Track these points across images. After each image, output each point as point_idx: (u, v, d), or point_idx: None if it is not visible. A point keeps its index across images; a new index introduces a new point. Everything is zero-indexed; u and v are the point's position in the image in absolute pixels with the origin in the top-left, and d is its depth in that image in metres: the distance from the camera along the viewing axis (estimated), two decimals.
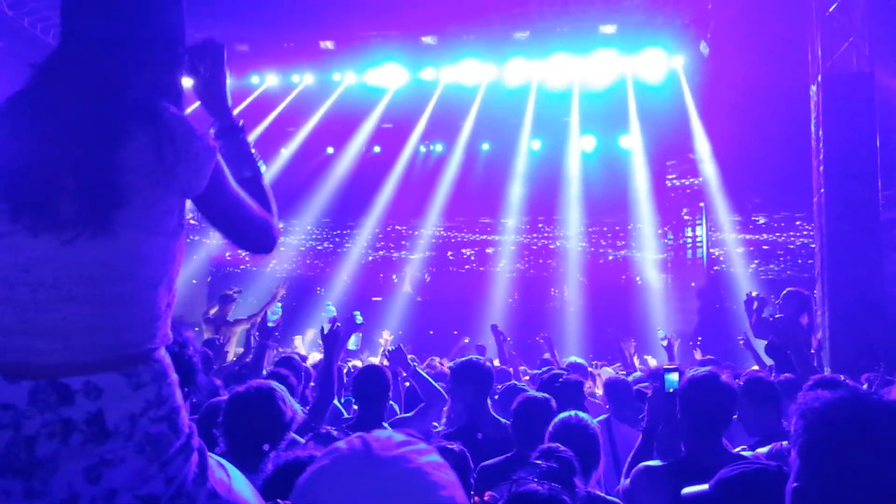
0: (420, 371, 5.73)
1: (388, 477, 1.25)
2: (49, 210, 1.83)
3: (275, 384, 3.31)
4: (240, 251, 2.19)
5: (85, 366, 1.83)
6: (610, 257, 15.35)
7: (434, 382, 5.45)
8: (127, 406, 1.84)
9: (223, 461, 2.17)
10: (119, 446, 1.82)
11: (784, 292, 8.50)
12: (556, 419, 3.77)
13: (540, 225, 16.14)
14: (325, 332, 5.14)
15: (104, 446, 1.81)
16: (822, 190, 9.31)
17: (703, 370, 3.68)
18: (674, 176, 14.44)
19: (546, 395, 4.40)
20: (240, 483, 2.12)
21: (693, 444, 3.57)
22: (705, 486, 2.48)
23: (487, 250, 16.24)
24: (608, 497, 3.55)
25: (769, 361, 7.35)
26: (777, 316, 8.58)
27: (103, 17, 2.02)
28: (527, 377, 7.18)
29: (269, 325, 5.59)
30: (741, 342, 8.14)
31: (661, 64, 12.03)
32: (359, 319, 5.68)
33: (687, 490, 2.61)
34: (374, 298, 15.63)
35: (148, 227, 1.91)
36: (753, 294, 8.71)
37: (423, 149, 16.04)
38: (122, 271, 1.88)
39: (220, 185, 2.04)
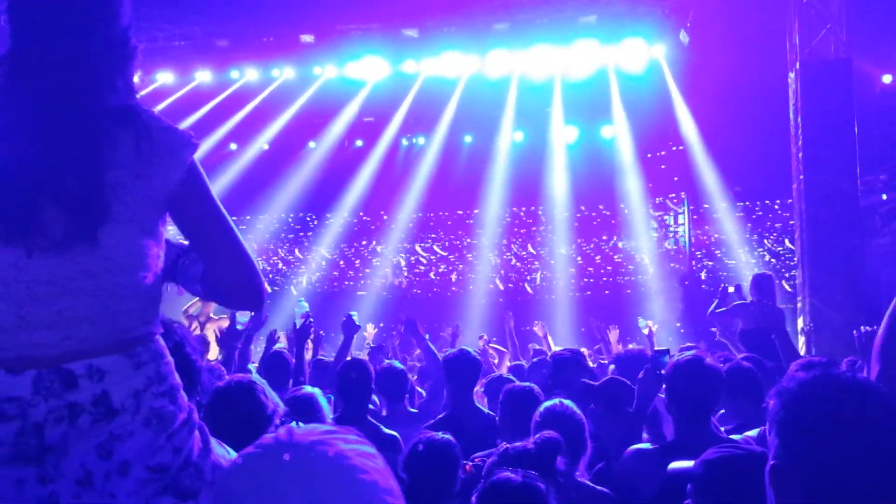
0: (431, 347, 5.81)
1: (305, 460, 1.26)
2: (39, 236, 1.85)
3: (256, 377, 3.32)
4: (226, 300, 2.19)
5: (86, 351, 1.88)
6: (592, 247, 15.39)
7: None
8: (130, 384, 1.90)
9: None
10: (127, 421, 1.88)
11: (755, 276, 8.59)
12: (541, 407, 3.79)
13: (522, 215, 16.16)
14: (298, 326, 5.29)
15: (112, 423, 1.87)
16: (802, 176, 9.40)
17: (687, 354, 3.72)
18: (656, 165, 14.48)
19: (531, 385, 4.43)
20: None
21: (682, 427, 3.62)
22: (691, 463, 2.51)
23: (469, 241, 16.25)
24: (596, 487, 3.58)
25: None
26: (749, 300, 8.67)
27: (60, 19, 2.00)
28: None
29: (238, 327, 5.61)
30: (716, 333, 8.22)
31: (641, 53, 12.06)
32: (356, 319, 5.78)
33: (673, 465, 2.65)
34: (358, 293, 15.62)
35: (135, 220, 1.94)
36: (730, 289, 8.81)
37: (405, 142, 16.02)
38: (114, 263, 1.91)
39: (200, 193, 2.06)
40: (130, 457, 1.87)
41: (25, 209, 1.85)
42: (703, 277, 13.78)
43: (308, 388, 4.21)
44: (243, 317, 5.53)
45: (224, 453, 2.17)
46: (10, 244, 1.86)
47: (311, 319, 5.36)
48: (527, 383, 4.55)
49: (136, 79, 2.12)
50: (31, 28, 2.01)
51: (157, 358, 1.98)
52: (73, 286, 1.88)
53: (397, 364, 5.61)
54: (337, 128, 14.81)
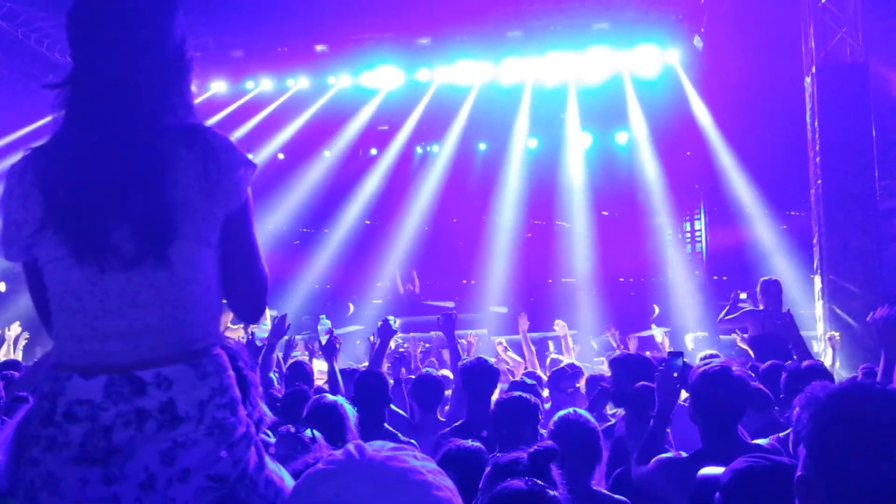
0: (458, 350, 5.91)
1: (381, 476, 1.26)
2: (111, 255, 1.96)
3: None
4: (232, 307, 2.24)
5: (155, 360, 1.97)
6: (609, 252, 15.35)
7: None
8: (195, 394, 1.99)
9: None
10: (191, 430, 1.96)
11: (762, 281, 8.55)
12: (555, 416, 3.79)
13: (536, 222, 16.14)
14: (324, 343, 5.41)
15: (177, 431, 1.95)
16: (819, 181, 9.35)
17: (714, 363, 3.71)
18: (673, 170, 14.43)
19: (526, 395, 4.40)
20: (288, 478, 2.25)
21: (709, 436, 3.60)
22: (721, 470, 2.50)
23: (485, 246, 16.22)
24: (613, 496, 3.56)
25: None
26: (759, 307, 8.62)
27: (117, 38, 2.08)
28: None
29: (257, 343, 5.66)
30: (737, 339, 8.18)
31: (655, 59, 12.04)
32: (393, 324, 5.86)
33: (703, 471, 2.63)
34: (374, 301, 15.62)
35: (199, 237, 2.03)
36: (742, 295, 8.77)
37: (419, 150, 16.05)
38: (180, 278, 2.00)
39: (246, 216, 2.14)
40: (192, 465, 1.95)
41: (98, 231, 1.96)
42: (719, 283, 13.70)
43: (330, 396, 4.21)
44: (261, 331, 5.62)
45: (276, 469, 2.22)
46: (84, 262, 1.97)
47: (336, 334, 5.52)
48: (518, 393, 4.48)
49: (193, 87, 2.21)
50: (89, 48, 2.09)
51: (221, 370, 2.06)
52: (142, 299, 1.98)
53: (433, 372, 5.65)
54: (351, 136, 14.83)
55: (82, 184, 1.99)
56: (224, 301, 2.20)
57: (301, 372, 5.93)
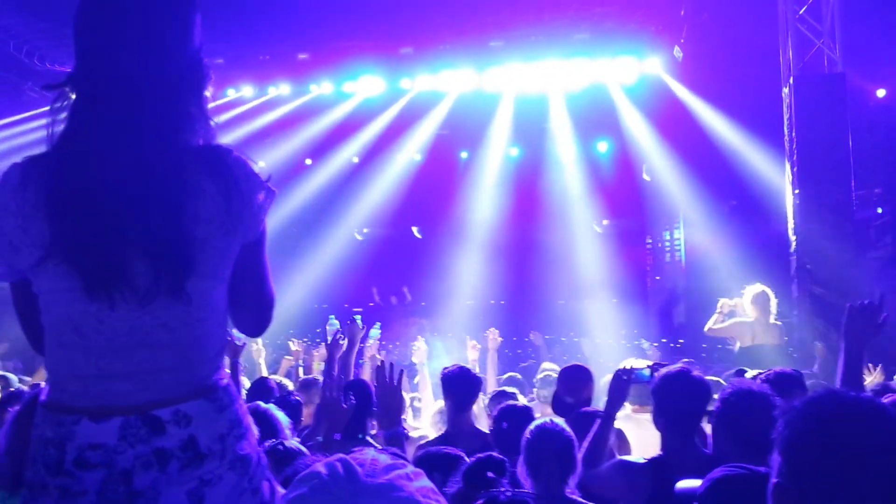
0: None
1: None
2: (124, 286, 1.83)
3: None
4: (237, 322, 2.17)
5: (170, 400, 1.86)
6: (588, 262, 15.39)
7: None
8: (215, 427, 1.90)
9: None
10: (215, 465, 1.88)
11: (749, 290, 8.64)
12: (531, 425, 3.81)
13: (520, 229, 16.15)
14: (329, 342, 5.43)
15: (202, 468, 1.86)
16: (797, 191, 9.44)
17: (675, 366, 3.76)
18: (652, 179, 14.50)
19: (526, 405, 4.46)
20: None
21: (669, 441, 3.64)
22: (698, 483, 2.53)
23: (470, 256, 16.20)
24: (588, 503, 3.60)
25: None
26: (748, 317, 8.70)
27: (134, 42, 1.90)
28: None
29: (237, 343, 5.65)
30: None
31: (635, 69, 12.13)
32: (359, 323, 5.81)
33: (681, 485, 2.66)
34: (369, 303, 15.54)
35: (215, 274, 1.94)
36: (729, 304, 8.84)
37: (402, 159, 16.03)
38: (193, 317, 1.90)
39: (262, 242, 2.05)
40: (219, 501, 1.87)
41: (113, 264, 1.82)
42: (698, 292, 13.78)
43: (262, 404, 4.17)
44: (332, 326, 5.63)
45: (280, 491, 2.14)
46: (93, 296, 1.83)
47: (341, 335, 5.50)
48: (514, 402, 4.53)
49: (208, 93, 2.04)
50: (102, 49, 1.90)
51: (234, 401, 1.98)
52: (151, 339, 1.86)
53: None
54: (339, 145, 14.78)
55: (97, 212, 1.82)
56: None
57: (263, 387, 5.95)
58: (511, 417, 4.37)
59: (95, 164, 1.85)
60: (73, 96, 1.90)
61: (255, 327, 2.17)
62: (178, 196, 1.83)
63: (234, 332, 5.49)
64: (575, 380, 5.16)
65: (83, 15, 1.92)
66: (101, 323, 1.84)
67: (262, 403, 4.21)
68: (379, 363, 4.07)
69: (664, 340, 10.70)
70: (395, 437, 3.62)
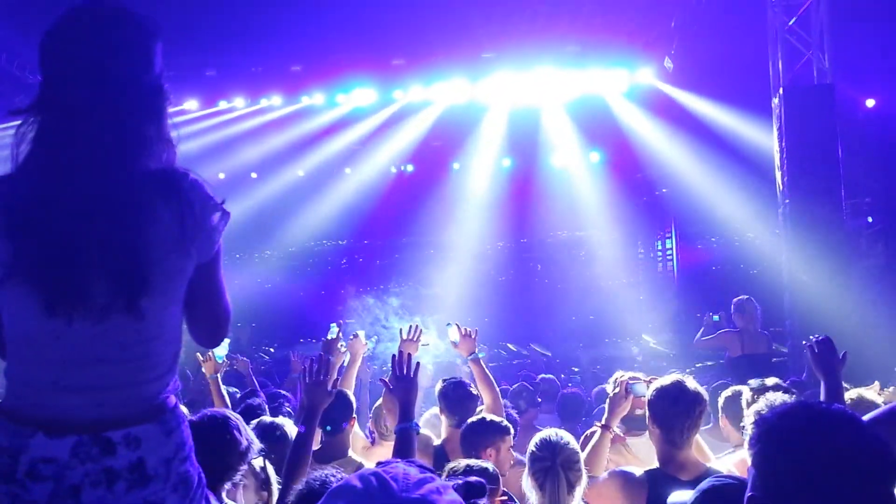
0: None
1: None
2: (82, 303, 1.90)
3: (230, 413, 3.28)
4: (194, 335, 2.23)
5: (122, 420, 1.95)
6: (582, 272, 15.42)
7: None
8: (162, 451, 1.99)
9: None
10: (160, 488, 1.97)
11: (736, 301, 8.66)
12: (536, 436, 3.81)
13: (511, 243, 16.19)
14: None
15: (147, 489, 1.95)
16: (787, 201, 9.47)
17: (669, 378, 3.77)
18: (644, 191, 14.57)
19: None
20: None
21: (666, 452, 3.64)
22: (689, 494, 2.53)
23: (461, 266, 16.21)
24: None
25: None
26: (737, 328, 8.71)
27: (98, 68, 1.97)
28: None
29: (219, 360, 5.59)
30: None
31: (626, 81, 12.19)
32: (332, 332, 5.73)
33: (673, 498, 2.67)
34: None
35: (169, 295, 2.02)
36: (715, 318, 8.87)
37: (393, 169, 16.07)
38: (146, 335, 1.99)
39: (217, 261, 2.13)
40: None
41: (71, 281, 1.90)
42: (690, 301, 13.81)
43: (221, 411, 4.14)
44: (220, 352, 5.57)
45: None
46: (52, 313, 1.90)
47: (342, 344, 5.56)
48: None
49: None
50: (65, 77, 1.98)
51: (181, 423, 2.07)
52: (105, 355, 1.95)
53: None
54: (325, 154, 14.78)
55: (57, 233, 1.90)
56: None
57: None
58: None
59: (55, 187, 1.92)
60: (38, 121, 1.97)
61: (211, 340, 2.24)
62: (134, 219, 1.91)
63: (213, 351, 5.51)
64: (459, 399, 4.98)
65: (47, 45, 2.00)
66: (58, 339, 1.92)
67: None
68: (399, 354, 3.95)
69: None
70: (407, 432, 3.56)
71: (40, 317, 1.91)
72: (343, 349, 5.64)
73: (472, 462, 3.61)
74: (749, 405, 4.15)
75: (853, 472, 1.60)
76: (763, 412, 3.29)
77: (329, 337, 5.61)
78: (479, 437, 4.22)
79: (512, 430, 4.17)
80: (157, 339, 2.00)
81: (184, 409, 2.20)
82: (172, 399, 2.08)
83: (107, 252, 1.89)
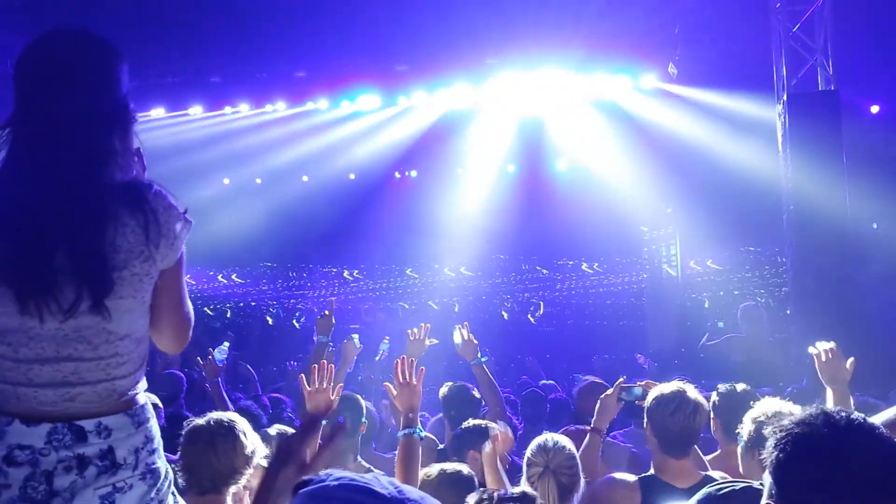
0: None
1: None
2: (52, 301, 2.06)
3: (235, 416, 3.29)
4: (156, 340, 2.36)
5: (91, 411, 2.12)
6: (587, 279, 15.41)
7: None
8: (132, 441, 2.16)
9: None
10: (128, 475, 2.13)
11: (742, 307, 8.64)
12: (533, 442, 3.80)
13: (517, 248, 16.18)
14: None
15: (116, 476, 2.11)
16: (791, 207, 9.45)
17: (670, 385, 3.75)
18: (650, 196, 14.52)
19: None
20: None
21: (662, 459, 3.63)
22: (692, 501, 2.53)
23: (464, 270, 16.23)
24: None
25: None
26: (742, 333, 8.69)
27: (68, 88, 2.15)
28: None
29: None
30: None
31: (631, 86, 12.19)
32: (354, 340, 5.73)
33: None
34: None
35: (135, 294, 2.16)
36: (720, 324, 8.84)
37: (397, 175, 16.09)
38: (115, 336, 2.15)
39: (180, 267, 2.28)
40: None
41: (41, 280, 2.05)
42: (694, 306, 13.78)
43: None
44: (220, 355, 5.59)
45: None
46: (24, 310, 2.06)
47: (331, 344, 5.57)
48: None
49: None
50: (36, 99, 2.15)
51: (151, 418, 2.25)
52: (75, 354, 2.10)
53: None
54: (336, 163, 14.78)
55: (28, 237, 2.06)
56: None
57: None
58: None
59: (28, 196, 2.10)
60: (11, 137, 2.15)
61: (174, 345, 2.37)
62: (99, 225, 2.08)
63: (214, 352, 5.52)
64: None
65: (21, 66, 2.18)
66: (31, 339, 2.09)
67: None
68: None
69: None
70: (411, 438, 3.56)
71: (15, 314, 2.07)
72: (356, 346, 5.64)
73: (447, 466, 3.66)
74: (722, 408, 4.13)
75: (876, 482, 1.59)
76: (764, 419, 3.28)
77: (350, 344, 5.61)
78: (460, 441, 4.32)
79: (504, 435, 4.10)
80: (126, 338, 2.17)
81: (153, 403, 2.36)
82: (142, 397, 2.24)
83: (74, 255, 2.06)
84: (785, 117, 9.57)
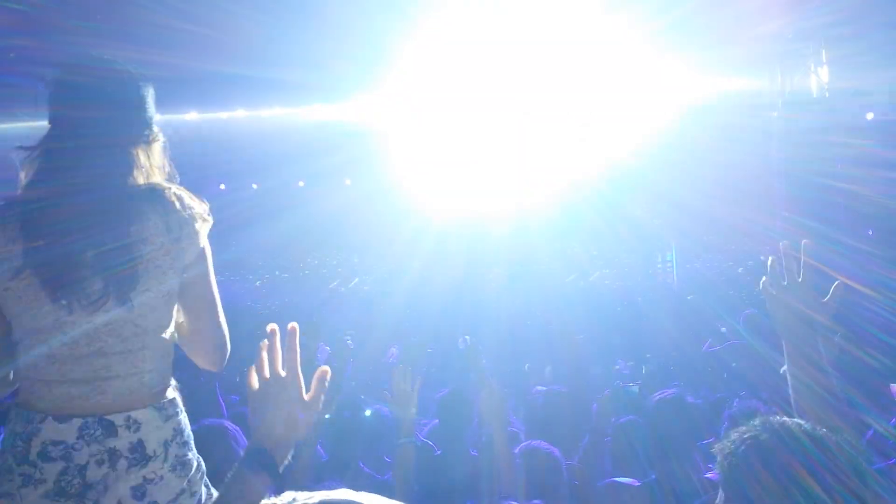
0: None
1: None
2: (82, 293, 2.21)
3: (227, 423, 3.28)
4: (193, 355, 2.49)
5: (122, 405, 2.23)
6: (582, 283, 15.38)
7: None
8: (161, 434, 2.26)
9: None
10: (158, 466, 2.24)
11: (743, 314, 8.63)
12: (521, 445, 3.80)
13: (518, 247, 16.12)
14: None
15: (147, 468, 2.22)
16: (786, 213, 9.47)
17: (669, 392, 3.75)
18: (646, 198, 14.53)
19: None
20: None
21: (663, 465, 3.63)
22: None
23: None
24: None
25: None
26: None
27: (99, 113, 2.36)
28: None
29: None
30: None
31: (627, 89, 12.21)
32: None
33: None
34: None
35: (160, 287, 2.29)
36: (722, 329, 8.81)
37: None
38: (142, 329, 2.27)
39: (206, 272, 2.41)
40: (160, 498, 2.23)
41: (71, 273, 2.21)
42: (690, 313, 13.78)
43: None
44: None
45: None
46: (55, 301, 2.20)
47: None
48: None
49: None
50: (70, 114, 2.36)
51: (180, 412, 2.35)
52: (107, 348, 2.22)
53: None
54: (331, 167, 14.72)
55: (60, 236, 2.23)
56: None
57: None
58: None
59: (59, 202, 2.28)
60: (46, 151, 2.33)
61: (210, 359, 2.47)
62: (123, 222, 2.26)
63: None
64: None
65: (55, 90, 2.38)
66: (65, 334, 2.20)
67: None
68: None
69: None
70: (405, 447, 3.55)
71: (49, 311, 2.20)
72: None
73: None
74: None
75: (818, 487, 1.59)
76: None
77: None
78: None
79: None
80: (153, 332, 2.29)
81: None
82: (171, 391, 2.35)
83: (101, 250, 2.22)
84: (780, 123, 9.61)
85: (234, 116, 13.62)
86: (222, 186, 15.29)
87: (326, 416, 4.06)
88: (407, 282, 13.39)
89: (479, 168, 14.36)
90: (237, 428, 3.40)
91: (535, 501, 3.26)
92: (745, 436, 1.71)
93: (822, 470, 1.62)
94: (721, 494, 1.72)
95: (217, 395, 5.44)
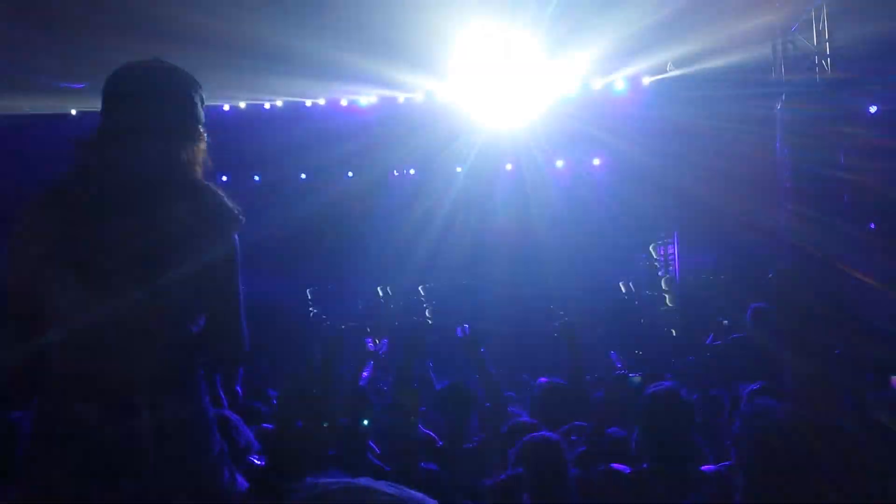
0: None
1: None
2: (113, 277, 2.29)
3: (228, 413, 3.31)
4: (210, 347, 2.55)
5: (149, 387, 2.30)
6: (585, 277, 15.37)
7: None
8: (183, 414, 2.35)
9: None
10: (179, 447, 2.31)
11: (750, 307, 8.62)
12: (525, 437, 3.80)
13: (516, 246, 16.13)
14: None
15: (171, 450, 2.29)
16: (789, 207, 9.45)
17: (663, 384, 3.76)
18: (646, 195, 14.51)
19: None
20: None
21: (655, 455, 3.63)
22: None
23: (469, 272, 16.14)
24: None
25: None
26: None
27: (146, 111, 2.46)
28: None
29: None
30: None
31: (628, 85, 12.19)
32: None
33: None
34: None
35: (187, 276, 2.36)
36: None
37: (395, 173, 16.06)
38: (173, 312, 2.37)
39: (232, 267, 2.51)
40: (185, 479, 2.31)
41: (103, 262, 2.30)
42: (692, 306, 13.78)
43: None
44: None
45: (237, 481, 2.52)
46: (88, 291, 2.28)
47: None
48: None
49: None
50: (118, 110, 2.47)
51: (203, 394, 2.45)
52: (132, 328, 2.30)
53: None
54: (333, 160, 14.71)
55: (99, 223, 2.33)
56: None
57: None
58: None
59: (104, 194, 2.38)
60: (98, 146, 2.45)
61: (228, 353, 2.61)
62: (155, 211, 2.37)
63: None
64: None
65: (107, 85, 2.50)
66: (92, 317, 2.27)
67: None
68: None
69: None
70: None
71: (81, 298, 2.27)
72: None
73: None
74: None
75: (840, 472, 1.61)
76: None
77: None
78: None
79: None
80: (182, 315, 2.40)
81: None
82: (197, 376, 2.45)
83: (131, 236, 2.32)
84: (783, 116, 9.58)
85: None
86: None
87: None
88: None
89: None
90: (238, 418, 3.43)
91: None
92: (762, 423, 1.72)
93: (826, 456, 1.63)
94: (741, 478, 1.73)
95: (217, 387, 5.47)
